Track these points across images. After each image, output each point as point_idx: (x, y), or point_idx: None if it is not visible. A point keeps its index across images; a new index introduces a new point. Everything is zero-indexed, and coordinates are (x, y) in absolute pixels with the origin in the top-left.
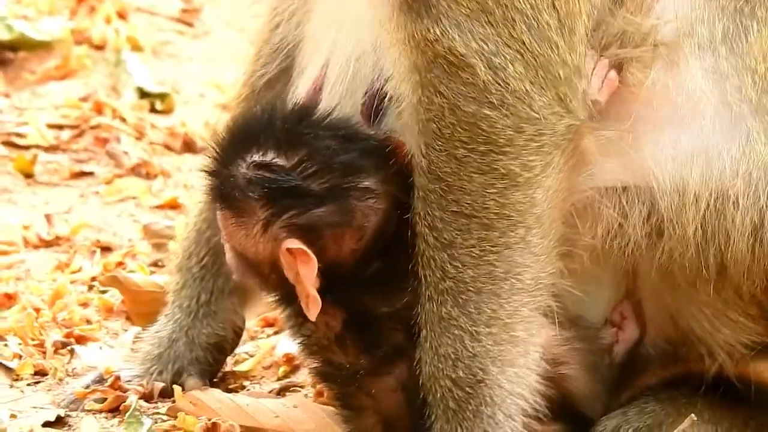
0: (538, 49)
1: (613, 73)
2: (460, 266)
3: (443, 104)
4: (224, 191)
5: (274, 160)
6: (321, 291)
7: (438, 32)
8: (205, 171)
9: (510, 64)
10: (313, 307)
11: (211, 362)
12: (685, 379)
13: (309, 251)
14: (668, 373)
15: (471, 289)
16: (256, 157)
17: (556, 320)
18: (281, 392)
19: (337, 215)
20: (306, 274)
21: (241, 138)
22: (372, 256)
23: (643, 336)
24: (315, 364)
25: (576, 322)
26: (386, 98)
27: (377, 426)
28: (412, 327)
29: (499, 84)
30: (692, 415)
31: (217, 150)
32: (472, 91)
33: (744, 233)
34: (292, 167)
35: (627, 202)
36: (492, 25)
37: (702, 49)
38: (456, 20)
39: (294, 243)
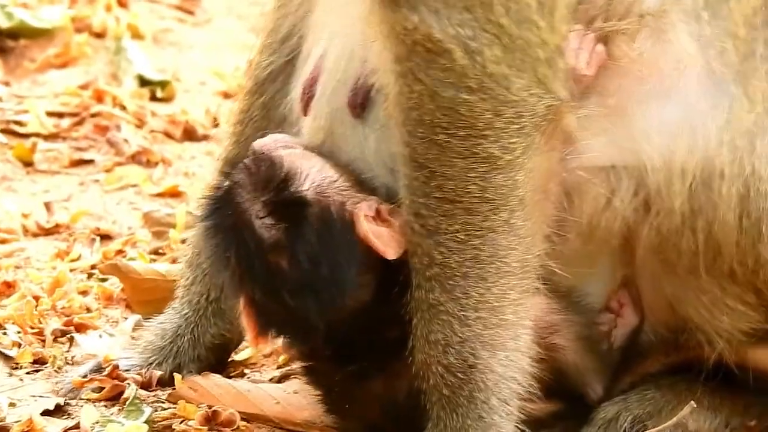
0: (517, 32)
1: (600, 47)
2: (446, 252)
3: (423, 91)
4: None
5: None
6: None
7: (416, 20)
8: None
9: (487, 48)
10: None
11: (212, 362)
12: (687, 366)
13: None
14: (669, 360)
15: (457, 274)
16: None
17: (551, 292)
18: (281, 380)
19: None
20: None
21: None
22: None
23: (642, 323)
24: (303, 365)
25: (571, 299)
26: (373, 90)
27: (360, 430)
28: (382, 343)
29: (477, 68)
30: (692, 402)
31: None
32: (450, 77)
33: (730, 205)
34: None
35: (614, 179)
36: (469, 10)
37: (687, 14)
38: (434, 7)
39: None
